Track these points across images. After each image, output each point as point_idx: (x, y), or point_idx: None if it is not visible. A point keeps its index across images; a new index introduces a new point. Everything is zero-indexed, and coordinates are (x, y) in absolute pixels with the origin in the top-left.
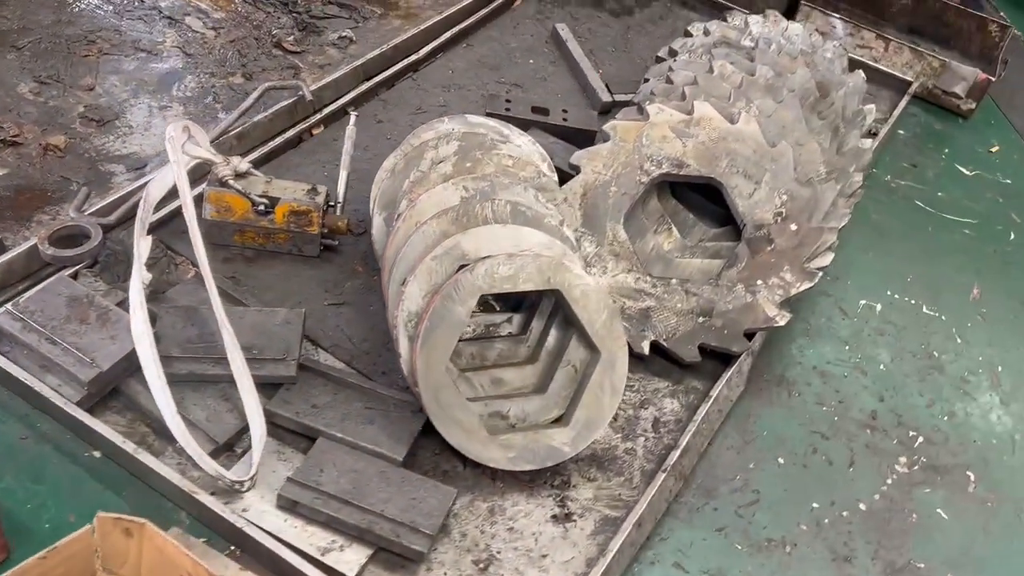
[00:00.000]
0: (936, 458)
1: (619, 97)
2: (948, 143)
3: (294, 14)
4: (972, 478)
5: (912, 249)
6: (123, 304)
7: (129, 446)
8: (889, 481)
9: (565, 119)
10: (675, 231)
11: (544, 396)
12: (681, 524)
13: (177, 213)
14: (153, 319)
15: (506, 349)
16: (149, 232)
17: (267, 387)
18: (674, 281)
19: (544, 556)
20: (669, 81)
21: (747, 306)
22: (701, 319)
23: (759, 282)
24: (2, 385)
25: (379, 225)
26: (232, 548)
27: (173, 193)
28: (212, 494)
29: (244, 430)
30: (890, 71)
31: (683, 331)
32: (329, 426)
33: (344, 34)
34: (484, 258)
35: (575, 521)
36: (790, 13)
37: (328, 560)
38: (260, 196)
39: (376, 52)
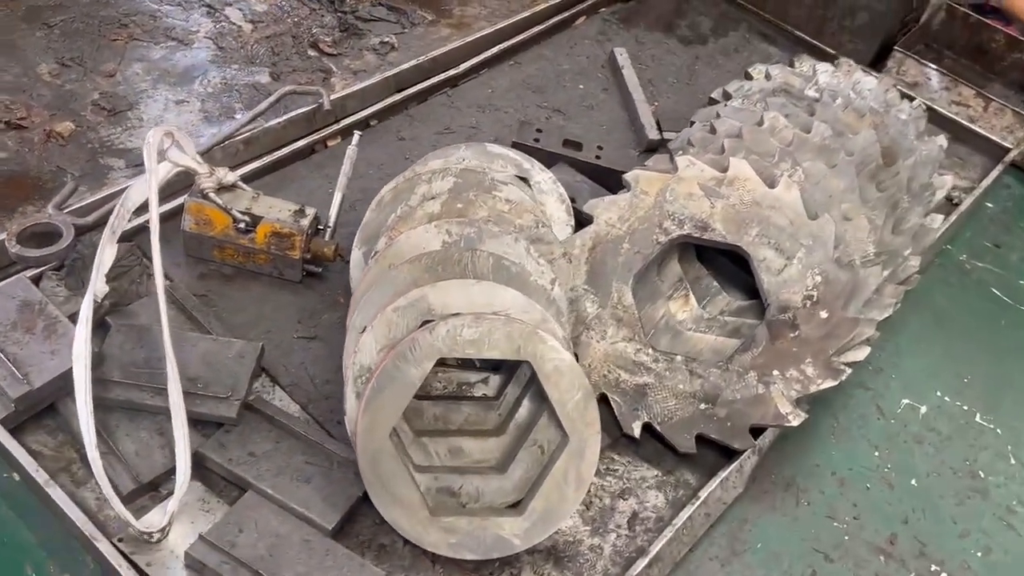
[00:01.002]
0: None
1: (668, 135)
2: None
3: (339, 13)
4: None
5: (976, 345)
6: (76, 316)
7: (41, 476)
8: None
9: (598, 156)
10: (693, 299)
11: (503, 477)
12: None
13: (162, 219)
14: (104, 334)
15: (474, 415)
16: (128, 239)
17: (209, 426)
18: (679, 358)
19: None
20: (712, 130)
21: (757, 398)
22: (703, 406)
23: (775, 372)
24: None
25: (357, 260)
26: None
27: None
28: (119, 540)
29: (173, 470)
30: (987, 134)
31: (681, 416)
32: (260, 479)
33: (386, 39)
34: (449, 316)
35: None
36: (880, 59)
37: None
38: (242, 213)
39: (412, 63)
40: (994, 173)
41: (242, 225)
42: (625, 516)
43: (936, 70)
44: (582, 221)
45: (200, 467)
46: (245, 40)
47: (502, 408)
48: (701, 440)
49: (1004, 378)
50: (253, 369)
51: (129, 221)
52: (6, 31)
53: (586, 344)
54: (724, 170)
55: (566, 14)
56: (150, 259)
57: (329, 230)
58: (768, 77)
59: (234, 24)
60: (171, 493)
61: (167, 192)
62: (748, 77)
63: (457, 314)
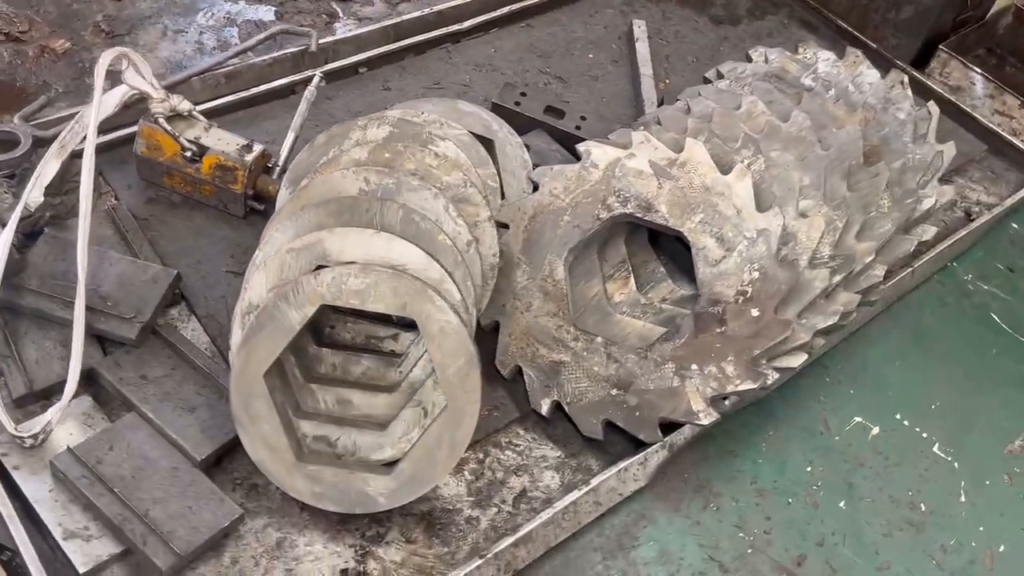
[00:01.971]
0: None
1: None
2: None
3: None
4: None
5: (956, 370)
6: None
7: None
8: None
9: (578, 127)
10: (632, 282)
11: (383, 434)
12: None
13: (123, 141)
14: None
15: (373, 369)
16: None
17: (116, 345)
18: (599, 339)
19: None
20: (688, 109)
21: (671, 391)
22: (615, 391)
23: (694, 366)
24: None
25: (283, 199)
26: None
27: (122, 121)
28: None
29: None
30: None
31: (591, 399)
32: (144, 402)
33: None
34: (341, 264)
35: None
36: (924, 57)
37: (68, 546)
38: (190, 141)
39: (416, 14)
40: None
41: (189, 154)
42: (513, 492)
43: (981, 75)
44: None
45: (94, 383)
46: None
47: (403, 366)
48: (615, 428)
49: (978, 410)
50: (164, 295)
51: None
52: None
53: (511, 314)
54: (681, 151)
55: None
56: (106, 179)
57: (278, 169)
58: (767, 61)
59: None
60: None
61: (133, 116)
62: (748, 59)
63: (347, 263)
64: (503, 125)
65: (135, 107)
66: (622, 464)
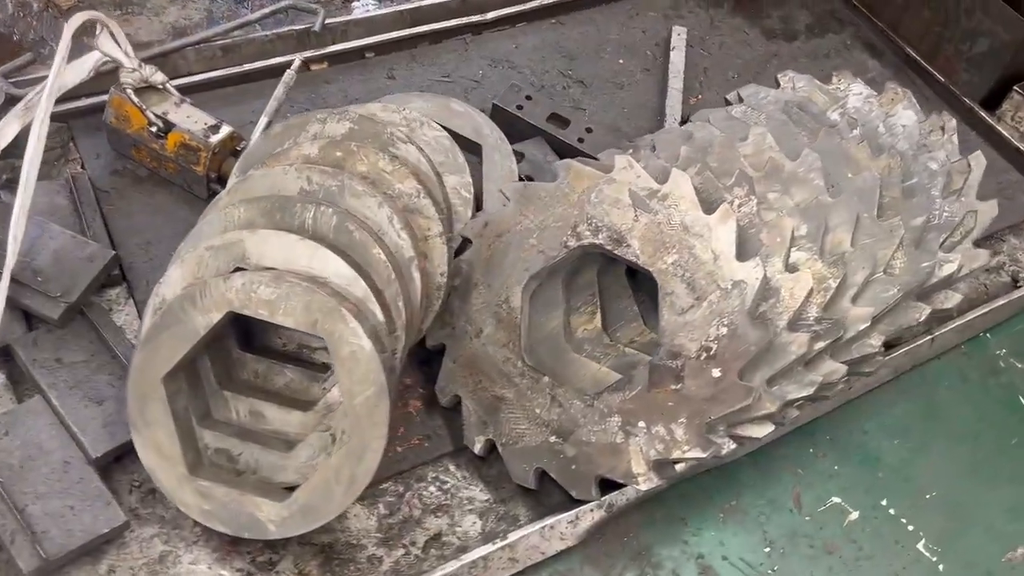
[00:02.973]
0: None
1: None
2: None
3: None
4: None
5: (965, 457)
6: None
7: None
8: None
9: (582, 139)
10: (599, 318)
11: (288, 456)
12: None
13: (100, 108)
14: None
15: (296, 382)
16: (62, 119)
17: (41, 323)
18: (546, 379)
19: None
20: (691, 135)
21: (612, 447)
22: (554, 438)
23: (641, 423)
24: None
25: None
26: None
27: (103, 87)
28: None
29: None
30: None
31: (527, 443)
32: (52, 387)
33: None
34: (259, 269)
35: None
36: (997, 97)
37: None
38: (157, 116)
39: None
40: None
41: (154, 129)
42: (427, 535)
43: None
44: None
45: (10, 360)
46: None
47: (328, 383)
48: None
49: (980, 507)
50: (96, 275)
51: (65, 103)
52: None
53: (459, 337)
54: (667, 181)
55: None
56: (76, 144)
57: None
58: (795, 88)
59: None
60: None
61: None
62: (777, 84)
63: (264, 269)
64: (495, 130)
65: (114, 75)
66: (548, 520)
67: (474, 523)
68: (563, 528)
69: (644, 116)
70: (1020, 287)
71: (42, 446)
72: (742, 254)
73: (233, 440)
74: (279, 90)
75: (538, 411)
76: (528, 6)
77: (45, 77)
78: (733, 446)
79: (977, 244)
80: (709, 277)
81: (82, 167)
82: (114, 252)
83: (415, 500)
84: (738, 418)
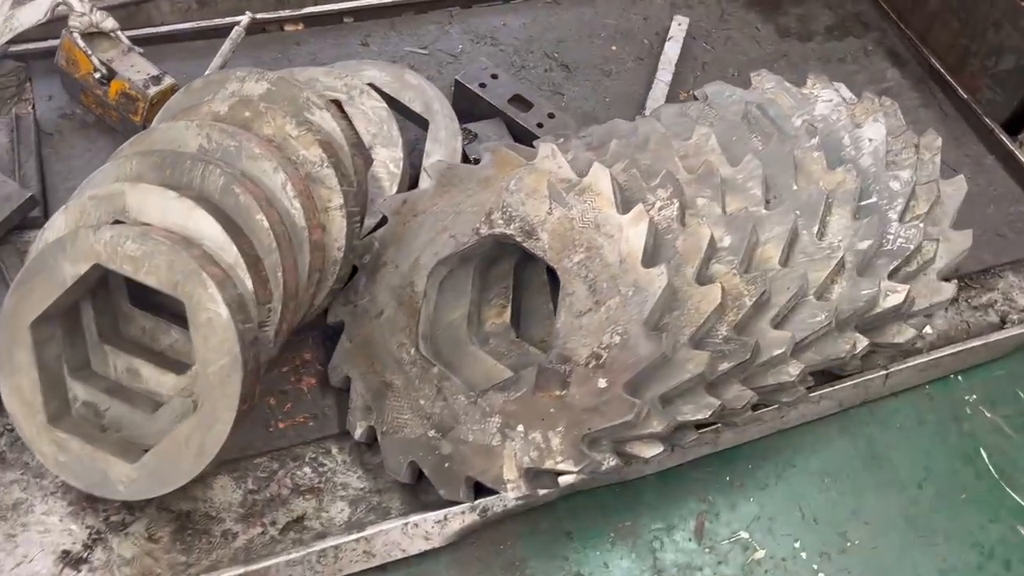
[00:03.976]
0: None
1: None
2: None
3: None
4: None
5: (902, 508)
6: None
7: None
8: None
9: (541, 124)
10: (508, 313)
11: (151, 418)
12: None
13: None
14: None
15: (181, 343)
16: (23, 59)
17: None
18: (436, 370)
19: None
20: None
21: (487, 449)
22: (433, 432)
23: (520, 427)
24: None
25: None
26: None
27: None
28: None
29: None
30: None
31: (406, 435)
32: None
33: None
34: (134, 224)
35: (79, 572)
36: (1020, 123)
37: None
38: (102, 62)
39: None
40: None
41: (98, 75)
42: (290, 516)
43: None
44: None
45: None
46: None
47: None
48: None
49: (909, 565)
50: (8, 216)
51: (24, 43)
52: None
53: (359, 316)
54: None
55: None
56: (32, 83)
57: None
58: (764, 90)
59: None
60: None
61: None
62: (750, 83)
63: (137, 224)
64: (445, 107)
65: None
66: (413, 518)
67: (342, 510)
68: (429, 527)
69: (625, 107)
70: (1006, 328)
71: None
72: (649, 259)
73: (102, 395)
74: (226, 46)
75: (422, 402)
76: None
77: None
78: (614, 463)
79: (961, 278)
80: (612, 281)
81: (32, 108)
82: (31, 194)
83: (287, 479)
84: (622, 434)
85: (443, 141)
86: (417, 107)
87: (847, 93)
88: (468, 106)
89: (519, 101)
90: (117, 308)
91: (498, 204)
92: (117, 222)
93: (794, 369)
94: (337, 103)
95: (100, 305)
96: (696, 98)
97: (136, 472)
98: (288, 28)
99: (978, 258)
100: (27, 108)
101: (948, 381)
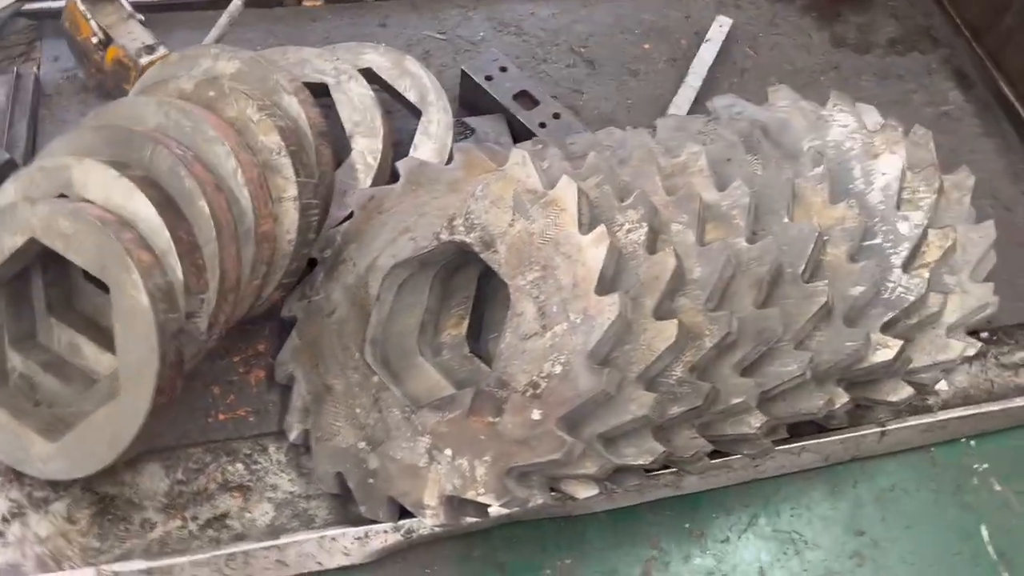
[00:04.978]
0: None
1: None
2: None
3: None
4: None
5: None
6: None
7: None
8: None
9: (543, 124)
10: (465, 325)
11: (82, 396)
12: None
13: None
14: None
15: None
16: (36, 17)
17: None
18: (376, 379)
19: None
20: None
21: (413, 469)
22: (363, 444)
23: (448, 451)
24: None
25: None
26: None
27: None
28: None
29: None
30: None
31: (337, 444)
32: None
33: None
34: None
35: (9, 542)
36: None
37: None
38: (100, 28)
39: None
40: None
41: (95, 40)
42: (213, 512)
43: None
44: None
45: None
46: None
47: None
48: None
49: None
50: None
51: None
52: None
53: (312, 313)
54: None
55: None
56: (42, 43)
57: None
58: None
59: None
60: None
61: None
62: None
63: (71, 200)
64: (442, 99)
65: None
66: (331, 532)
67: (266, 513)
68: (348, 543)
69: (648, 111)
70: None
71: None
72: (605, 286)
73: (37, 369)
74: (223, 19)
75: (358, 411)
76: None
77: None
78: (540, 501)
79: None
80: (562, 305)
81: (37, 68)
82: (9, 156)
83: (217, 473)
84: (552, 471)
85: (433, 135)
86: (412, 96)
87: (875, 118)
88: (473, 99)
89: (525, 97)
90: (72, 281)
91: (462, 210)
92: (62, 195)
93: (756, 420)
94: (324, 86)
95: (53, 277)
96: (709, 110)
97: (55, 452)
98: (306, 3)
99: (1019, 310)
100: (33, 68)
101: (957, 445)
